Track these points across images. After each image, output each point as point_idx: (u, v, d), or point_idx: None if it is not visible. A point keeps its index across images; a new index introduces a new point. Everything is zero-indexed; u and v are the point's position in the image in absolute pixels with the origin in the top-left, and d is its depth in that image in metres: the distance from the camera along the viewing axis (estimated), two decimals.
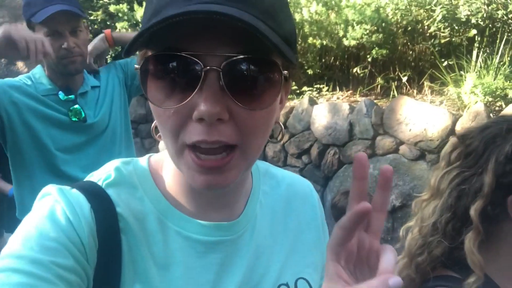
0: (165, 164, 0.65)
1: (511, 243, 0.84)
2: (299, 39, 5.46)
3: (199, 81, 0.50)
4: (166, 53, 0.50)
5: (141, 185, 0.62)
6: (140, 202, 0.61)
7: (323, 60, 5.79)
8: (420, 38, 4.80)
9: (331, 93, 5.81)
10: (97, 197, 0.58)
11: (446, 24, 4.23)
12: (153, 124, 0.61)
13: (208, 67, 0.49)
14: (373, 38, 4.44)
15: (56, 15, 1.64)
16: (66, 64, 1.76)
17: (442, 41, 4.39)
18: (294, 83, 5.83)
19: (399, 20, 4.64)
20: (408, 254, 0.93)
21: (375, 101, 5.29)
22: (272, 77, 0.54)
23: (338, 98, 5.68)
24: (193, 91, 0.50)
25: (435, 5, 4.20)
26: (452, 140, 0.94)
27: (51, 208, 0.56)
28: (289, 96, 5.96)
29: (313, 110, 5.23)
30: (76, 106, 1.84)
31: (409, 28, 4.70)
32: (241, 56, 0.50)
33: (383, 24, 4.59)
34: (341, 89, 5.78)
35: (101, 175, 0.63)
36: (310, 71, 5.71)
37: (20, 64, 6.98)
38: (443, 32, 4.29)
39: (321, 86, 5.86)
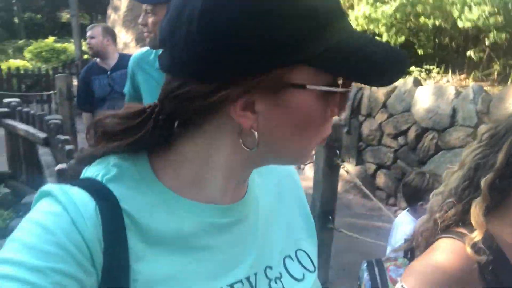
0: (170, 159, 0.61)
1: None
2: (411, 18, 5.31)
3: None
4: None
5: (143, 179, 0.59)
6: (144, 196, 0.57)
7: (437, 41, 5.53)
8: None
9: (441, 75, 5.54)
10: (101, 194, 0.55)
11: None
12: None
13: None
14: (491, 21, 4.14)
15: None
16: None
17: None
18: None
19: None
20: (429, 211, 1.11)
21: (489, 87, 4.94)
22: None
23: (448, 81, 5.42)
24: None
25: None
26: (489, 123, 1.10)
27: (52, 209, 0.52)
28: None
29: (416, 91, 5.12)
30: None
31: None
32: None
33: (507, 5, 4.23)
34: (453, 72, 5.48)
35: (99, 171, 0.58)
36: (420, 51, 5.52)
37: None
38: None
39: (431, 67, 5.62)
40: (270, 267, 0.66)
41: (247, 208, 0.66)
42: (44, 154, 3.40)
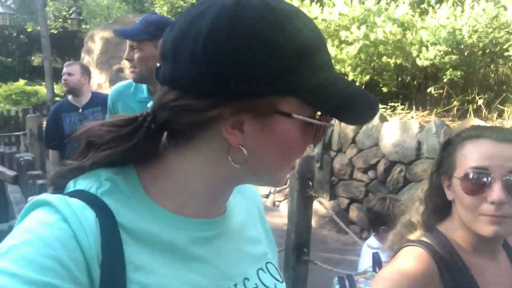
0: (162, 175, 0.62)
1: (454, 213, 1.08)
2: (375, 58, 5.66)
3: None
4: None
5: (133, 194, 0.60)
6: (135, 210, 0.59)
7: (399, 79, 5.87)
8: (500, 60, 4.67)
9: (405, 111, 5.84)
10: (98, 206, 0.55)
11: None
12: None
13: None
14: (446, 59, 4.48)
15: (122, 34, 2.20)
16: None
17: None
18: None
19: (476, 42, 4.60)
20: (398, 223, 1.22)
21: (451, 122, 5.23)
22: None
23: (412, 118, 5.70)
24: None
25: None
26: None
27: (53, 220, 0.52)
28: None
29: (383, 127, 5.36)
30: None
31: (487, 50, 4.62)
32: None
33: (459, 45, 4.59)
34: (417, 109, 5.78)
35: (91, 184, 0.58)
36: (385, 89, 5.83)
37: (127, 71, 8.25)
38: None
39: (396, 104, 5.92)
40: (248, 279, 0.69)
41: (228, 222, 0.69)
42: (13, 191, 3.32)
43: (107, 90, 4.33)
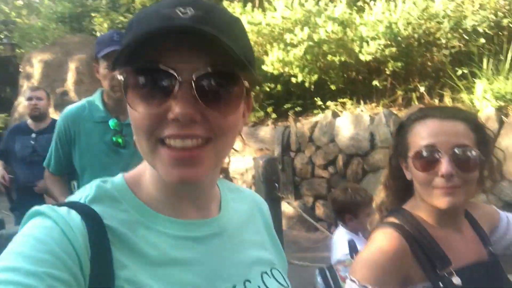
0: (142, 177, 0.68)
1: (416, 192, 1.15)
2: (320, 57, 5.85)
3: (174, 89, 0.56)
4: (146, 66, 0.58)
5: (123, 198, 0.65)
6: (125, 213, 0.63)
7: (345, 76, 6.10)
8: (434, 49, 5.00)
9: (354, 106, 6.08)
10: (84, 211, 0.60)
11: (455, 34, 4.43)
12: (134, 137, 0.64)
13: (182, 78, 0.56)
14: (387, 52, 4.72)
15: (112, 53, 2.12)
16: (115, 92, 2.18)
17: (453, 51, 4.58)
18: (319, 98, 6.18)
19: (411, 34, 4.89)
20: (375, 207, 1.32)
21: (398, 112, 5.51)
22: (236, 87, 0.60)
23: (362, 111, 5.94)
24: (168, 97, 0.57)
25: (443, 17, 4.41)
26: None
27: (43, 223, 0.57)
28: (314, 111, 6.26)
29: (336, 122, 5.54)
30: (118, 136, 2.17)
31: (422, 40, 4.93)
32: (209, 70, 0.57)
33: (397, 38, 4.86)
34: (364, 102, 6.02)
35: (82, 194, 0.64)
36: (333, 87, 6.03)
37: (72, 94, 7.93)
38: (452, 43, 4.48)
39: (345, 100, 6.15)
40: (249, 281, 0.70)
41: (222, 224, 0.72)
42: None
43: (53, 115, 4.14)
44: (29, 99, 3.58)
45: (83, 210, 0.60)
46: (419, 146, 1.07)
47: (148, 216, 0.65)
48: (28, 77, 8.84)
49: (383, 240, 1.08)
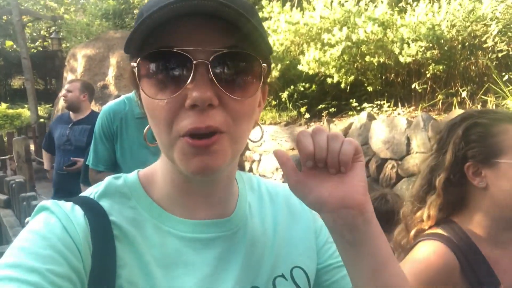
0: (155, 175, 0.67)
1: (475, 202, 1.05)
2: (358, 58, 5.74)
3: (191, 73, 0.54)
4: (160, 50, 0.55)
5: (133, 195, 0.64)
6: (133, 210, 0.63)
7: (383, 77, 5.95)
8: (480, 52, 4.79)
9: (392, 109, 5.92)
10: (90, 206, 0.60)
11: (503, 38, 4.21)
12: (145, 130, 0.63)
13: (197, 61, 0.54)
14: (428, 55, 4.56)
15: None
16: None
17: (500, 55, 4.36)
18: (354, 99, 6.07)
19: (455, 36, 4.70)
20: (402, 218, 1.19)
21: (437, 116, 5.31)
22: (254, 70, 0.58)
23: (399, 114, 5.78)
24: (185, 82, 0.54)
25: (491, 20, 4.21)
26: (435, 135, 1.23)
27: (47, 219, 0.57)
28: (349, 113, 6.16)
29: (371, 125, 5.42)
30: None
31: (466, 43, 4.73)
32: (226, 51, 0.55)
33: (439, 40, 4.69)
34: (402, 105, 5.86)
35: (93, 190, 0.65)
36: (370, 88, 5.91)
37: (112, 88, 8.19)
38: (499, 46, 4.27)
39: (382, 102, 6.00)
40: (257, 287, 0.66)
41: (234, 226, 0.68)
42: (6, 215, 3.25)
43: (93, 107, 4.31)
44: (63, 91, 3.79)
45: (89, 205, 0.61)
46: None
47: (157, 215, 0.64)
48: (72, 70, 9.24)
49: (429, 252, 1.01)
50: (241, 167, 6.20)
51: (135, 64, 0.57)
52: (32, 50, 17.06)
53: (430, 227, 1.10)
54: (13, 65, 18.48)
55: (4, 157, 9.16)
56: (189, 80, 0.54)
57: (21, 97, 17.16)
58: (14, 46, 17.44)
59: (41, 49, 18.16)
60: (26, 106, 14.88)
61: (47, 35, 16.89)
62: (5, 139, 10.61)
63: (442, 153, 1.11)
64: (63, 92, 3.69)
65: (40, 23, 18.09)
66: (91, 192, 0.65)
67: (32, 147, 5.83)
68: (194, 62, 0.54)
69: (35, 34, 19.04)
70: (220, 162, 0.58)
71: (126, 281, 0.57)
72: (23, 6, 15.48)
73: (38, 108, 13.04)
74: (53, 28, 13.87)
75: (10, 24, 16.50)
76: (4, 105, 16.24)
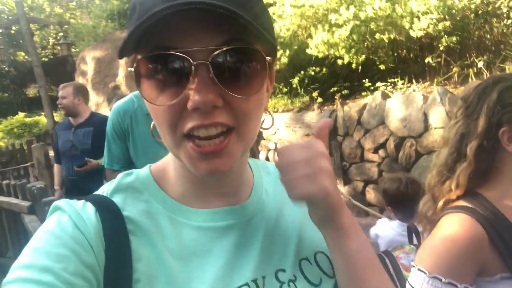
0: (166, 168, 0.67)
1: (507, 171, 1.01)
2: (367, 37, 5.61)
3: (190, 75, 0.51)
4: (157, 53, 0.52)
5: (145, 189, 0.64)
6: (147, 204, 0.63)
7: (395, 54, 5.81)
8: (494, 20, 4.61)
9: (406, 85, 5.79)
10: (101, 203, 0.61)
11: None
12: (151, 125, 0.63)
13: (197, 62, 0.51)
14: (440, 27, 4.42)
15: None
16: None
17: None
18: (367, 79, 5.95)
19: (467, 5, 4.54)
20: (428, 189, 1.15)
21: (453, 90, 5.17)
22: (257, 64, 0.55)
23: (414, 90, 5.65)
24: (186, 84, 0.52)
25: None
26: (457, 101, 1.15)
27: (59, 218, 0.58)
28: (362, 93, 6.05)
29: (386, 104, 5.31)
30: None
31: (480, 11, 4.56)
32: (225, 48, 0.52)
33: (451, 11, 4.54)
34: (417, 81, 5.72)
35: (105, 188, 0.65)
36: (382, 66, 5.77)
37: (123, 88, 8.24)
38: None
39: (396, 80, 5.87)
40: (283, 270, 0.66)
41: (249, 211, 0.68)
42: (31, 221, 3.32)
43: (106, 109, 4.34)
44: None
45: (100, 202, 0.61)
46: None
47: (170, 207, 0.64)
48: (83, 74, 9.34)
49: (455, 226, 0.97)
50: (254, 155, 6.18)
51: (132, 69, 0.56)
52: (44, 58, 17.31)
53: (457, 198, 1.06)
54: (26, 74, 18.81)
55: (26, 164, 9.39)
56: (189, 82, 0.52)
57: (37, 105, 17.48)
58: (26, 57, 17.71)
59: (52, 56, 18.40)
60: (42, 113, 15.15)
61: (56, 41, 17.09)
62: (25, 147, 10.86)
63: (473, 119, 1.05)
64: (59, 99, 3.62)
65: (48, 30, 18.30)
66: (104, 190, 0.65)
67: (51, 152, 5.92)
68: (194, 63, 0.52)
69: (44, 42, 19.28)
70: (229, 164, 0.57)
71: (143, 274, 0.57)
72: (29, 14, 15.65)
73: (54, 114, 13.25)
74: (61, 34, 14.01)
75: (18, 34, 16.74)
76: (21, 114, 16.61)
